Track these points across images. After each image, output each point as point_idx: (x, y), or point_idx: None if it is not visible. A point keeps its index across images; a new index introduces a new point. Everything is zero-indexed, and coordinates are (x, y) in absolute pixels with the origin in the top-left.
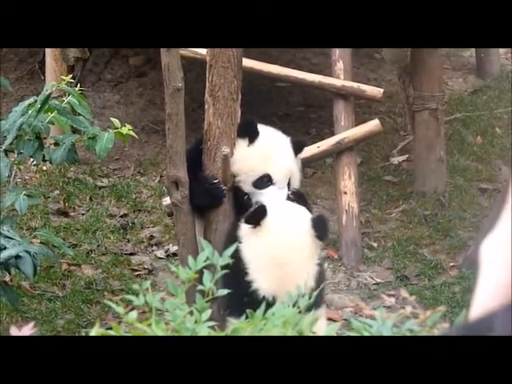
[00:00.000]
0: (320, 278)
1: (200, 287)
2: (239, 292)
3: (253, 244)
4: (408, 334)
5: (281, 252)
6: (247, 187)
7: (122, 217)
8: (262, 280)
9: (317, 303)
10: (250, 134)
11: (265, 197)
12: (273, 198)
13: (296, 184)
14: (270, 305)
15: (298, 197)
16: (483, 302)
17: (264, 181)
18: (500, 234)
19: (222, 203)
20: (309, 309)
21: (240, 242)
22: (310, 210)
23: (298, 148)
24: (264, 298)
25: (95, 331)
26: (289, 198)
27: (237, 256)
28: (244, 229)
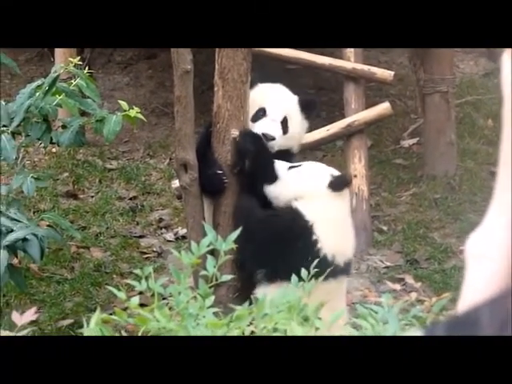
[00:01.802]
0: None
1: (204, 272)
2: (302, 250)
3: (322, 205)
4: (414, 320)
5: (343, 214)
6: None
7: (131, 199)
8: (327, 239)
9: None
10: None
11: (257, 128)
12: (264, 128)
13: (296, 131)
14: (329, 264)
15: None
16: (471, 296)
17: (259, 114)
18: (486, 228)
19: (222, 193)
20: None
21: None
22: None
23: (306, 106)
24: (325, 256)
25: (96, 316)
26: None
27: (297, 216)
28: (318, 189)
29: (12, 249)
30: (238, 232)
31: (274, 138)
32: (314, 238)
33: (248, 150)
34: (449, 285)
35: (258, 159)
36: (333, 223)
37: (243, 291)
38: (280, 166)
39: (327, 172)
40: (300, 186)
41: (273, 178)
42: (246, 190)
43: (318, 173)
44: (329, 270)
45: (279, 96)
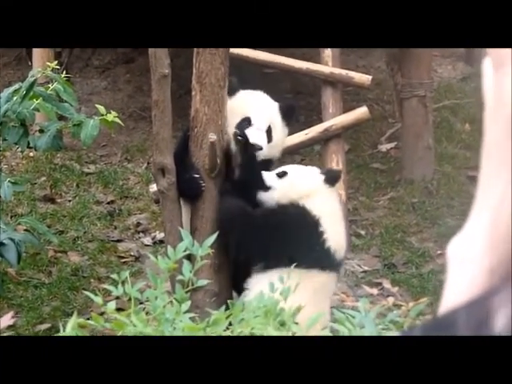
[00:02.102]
0: None
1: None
2: (310, 241)
3: (324, 200)
4: (391, 325)
5: (339, 210)
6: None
7: (108, 203)
8: (331, 233)
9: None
10: (229, 91)
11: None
12: (251, 138)
13: (279, 138)
14: (331, 256)
15: None
16: (452, 300)
17: (244, 124)
18: (468, 231)
19: (199, 197)
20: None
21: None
22: None
23: (287, 112)
24: (329, 248)
25: (73, 321)
26: None
27: (305, 211)
28: (318, 186)
29: None
30: (214, 237)
31: (261, 148)
32: (321, 229)
33: (257, 147)
34: (426, 289)
35: (248, 166)
36: (334, 218)
37: (221, 294)
38: (267, 175)
39: (315, 170)
40: (301, 188)
41: (264, 185)
42: (235, 195)
43: (309, 172)
44: (328, 261)
45: (263, 104)
